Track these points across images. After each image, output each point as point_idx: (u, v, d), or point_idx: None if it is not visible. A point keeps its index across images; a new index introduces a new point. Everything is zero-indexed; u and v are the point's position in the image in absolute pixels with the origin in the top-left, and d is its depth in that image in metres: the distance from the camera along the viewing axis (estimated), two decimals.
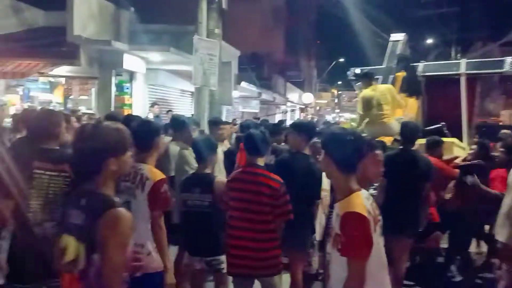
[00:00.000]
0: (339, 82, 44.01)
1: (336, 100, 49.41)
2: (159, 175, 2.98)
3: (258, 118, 14.85)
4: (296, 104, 30.53)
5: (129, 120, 4.57)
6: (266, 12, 25.67)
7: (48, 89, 11.14)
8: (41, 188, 3.01)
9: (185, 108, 14.27)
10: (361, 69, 8.29)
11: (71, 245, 1.81)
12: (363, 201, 2.08)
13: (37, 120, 3.39)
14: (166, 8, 10.29)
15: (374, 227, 2.07)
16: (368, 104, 6.31)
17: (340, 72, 32.37)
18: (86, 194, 1.86)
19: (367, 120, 6.28)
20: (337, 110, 46.93)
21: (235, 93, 13.89)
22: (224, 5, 8.69)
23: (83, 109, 10.46)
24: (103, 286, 1.76)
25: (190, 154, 4.10)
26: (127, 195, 2.91)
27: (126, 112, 10.65)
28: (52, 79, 10.85)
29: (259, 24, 24.40)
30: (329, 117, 35.26)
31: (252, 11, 23.88)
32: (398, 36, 8.57)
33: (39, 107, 9.71)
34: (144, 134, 3.04)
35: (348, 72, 8.92)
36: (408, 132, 4.33)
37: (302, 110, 31.58)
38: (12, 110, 9.05)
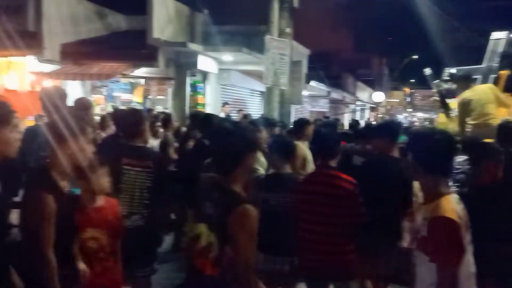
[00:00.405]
0: (412, 80, 42.22)
1: (408, 99, 47.54)
2: None
3: (328, 117, 14.71)
4: (366, 103, 29.78)
5: (208, 119, 4.81)
6: (335, 9, 25.29)
7: (129, 89, 11.81)
8: (128, 183, 3.23)
9: (255, 107, 14.49)
10: (457, 69, 7.91)
11: (204, 233, 1.98)
12: (454, 205, 1.99)
13: (125, 119, 3.63)
14: (238, 9, 10.48)
15: (464, 233, 1.99)
16: (469, 106, 5.90)
17: (413, 69, 31.07)
18: (219, 189, 2.03)
19: (471, 122, 5.90)
20: (410, 109, 45.12)
21: (304, 92, 13.84)
22: (295, 4, 8.69)
23: (160, 108, 10.98)
24: (236, 275, 1.92)
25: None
26: None
27: (199, 110, 11.05)
28: (132, 80, 11.49)
29: (328, 22, 24.12)
30: (400, 117, 34.00)
31: (321, 8, 23.64)
32: (501, 34, 8.13)
33: (122, 107, 10.39)
34: None
35: (425, 70, 8.55)
36: (506, 132, 3.97)
37: (372, 109, 30.74)
38: (97, 110, 9.73)
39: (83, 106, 4.24)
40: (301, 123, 5.24)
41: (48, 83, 10.96)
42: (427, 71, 10.03)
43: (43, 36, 8.99)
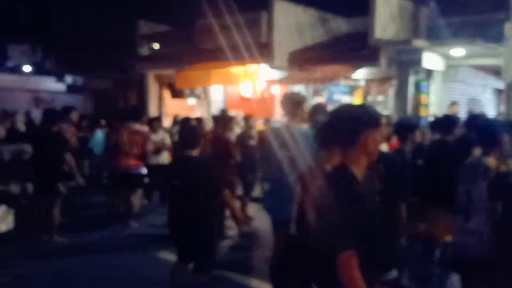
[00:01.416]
0: None
1: None
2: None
3: None
4: None
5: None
6: None
7: (348, 92, 11.94)
8: None
9: (488, 106, 12.75)
10: None
11: None
12: None
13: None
14: None
15: None
16: None
17: None
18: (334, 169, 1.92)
19: None
20: None
21: None
22: None
23: (379, 109, 10.71)
24: None
25: None
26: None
27: (423, 112, 10.34)
28: (351, 83, 11.56)
29: None
30: None
31: None
32: None
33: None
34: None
35: None
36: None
37: None
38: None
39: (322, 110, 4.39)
40: None
41: (277, 89, 12.02)
42: None
43: (273, 45, 9.85)
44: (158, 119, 9.27)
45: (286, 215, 3.65)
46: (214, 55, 10.79)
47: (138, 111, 8.72)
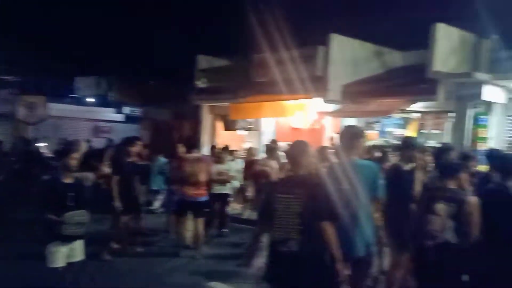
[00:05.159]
0: None
1: None
2: None
3: None
4: None
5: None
6: None
7: (401, 124, 11.78)
8: None
9: None
10: None
11: None
12: None
13: None
14: None
15: None
16: None
17: None
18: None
19: None
20: None
21: None
22: None
23: (434, 143, 10.47)
24: None
25: None
26: None
27: (480, 145, 9.99)
28: (405, 115, 11.41)
29: None
30: None
31: None
32: None
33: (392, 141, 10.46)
34: None
35: None
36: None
37: None
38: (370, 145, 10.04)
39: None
40: None
41: (328, 121, 12.07)
42: None
43: (328, 79, 9.96)
44: (225, 148, 9.48)
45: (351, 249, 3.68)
46: (269, 88, 11.04)
47: (195, 140, 9.04)
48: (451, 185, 3.92)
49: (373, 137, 11.59)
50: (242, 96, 11.83)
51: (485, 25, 9.39)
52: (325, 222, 3.30)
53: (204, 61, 13.25)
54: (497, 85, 9.66)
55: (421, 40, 9.56)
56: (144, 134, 15.78)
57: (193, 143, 7.85)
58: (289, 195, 3.38)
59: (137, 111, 18.87)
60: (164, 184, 9.84)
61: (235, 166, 10.00)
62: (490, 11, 9.14)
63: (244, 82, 11.66)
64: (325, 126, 12.17)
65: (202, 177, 6.80)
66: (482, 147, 9.79)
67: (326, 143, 10.88)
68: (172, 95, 13.86)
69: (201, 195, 6.81)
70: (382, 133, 11.98)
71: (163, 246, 7.41)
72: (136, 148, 7.06)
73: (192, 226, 6.94)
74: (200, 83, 13.14)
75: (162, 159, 10.37)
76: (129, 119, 20.46)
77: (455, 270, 3.44)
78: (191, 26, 13.92)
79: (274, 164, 6.79)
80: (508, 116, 10.99)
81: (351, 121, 10.74)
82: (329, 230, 3.29)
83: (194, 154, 7.11)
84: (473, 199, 3.80)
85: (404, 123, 11.77)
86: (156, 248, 7.33)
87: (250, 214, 9.24)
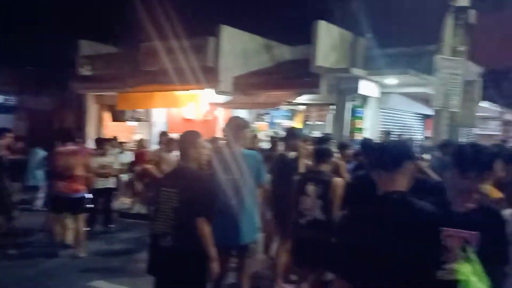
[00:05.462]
0: None
1: None
2: None
3: (505, 141, 13.07)
4: None
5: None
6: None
7: (289, 116, 12.32)
8: None
9: (417, 131, 13.70)
10: None
11: None
12: None
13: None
14: (404, 31, 10.19)
15: None
16: None
17: None
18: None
19: None
20: None
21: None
22: (472, 20, 8.05)
23: (317, 133, 11.14)
24: None
25: None
26: None
27: (357, 136, 10.88)
28: (292, 107, 11.94)
29: (502, 35, 21.65)
30: None
31: (494, 21, 21.34)
32: None
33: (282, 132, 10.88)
34: None
35: None
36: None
37: None
38: (261, 136, 10.35)
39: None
40: None
41: (221, 112, 12.13)
42: None
43: (219, 71, 10.00)
44: (108, 140, 8.89)
45: (229, 240, 3.74)
46: (158, 78, 10.73)
47: (72, 132, 8.41)
48: (323, 168, 4.24)
49: (263, 128, 11.94)
50: (130, 86, 11.34)
51: (360, 24, 10.21)
52: (201, 218, 3.19)
53: (87, 47, 12.42)
54: (372, 81, 10.57)
55: (308, 36, 10.06)
56: (19, 125, 14.32)
57: (68, 135, 7.20)
58: (171, 188, 3.29)
59: (12, 100, 17.10)
60: (44, 179, 9.04)
61: (124, 159, 9.56)
62: (365, 11, 9.94)
63: (133, 70, 11.19)
64: (218, 118, 12.22)
65: (78, 172, 6.31)
66: (359, 137, 10.65)
67: (219, 134, 10.93)
68: (52, 82, 12.76)
69: (77, 190, 6.31)
70: (272, 124, 12.39)
71: (40, 247, 6.81)
72: (5, 141, 6.34)
73: (71, 224, 6.46)
74: (84, 71, 12.30)
75: (40, 152, 9.49)
76: (2, 108, 18.41)
77: (323, 243, 3.64)
78: (72, 8, 12.91)
79: (169, 156, 6.57)
80: (381, 109, 12.13)
81: (243, 113, 10.93)
82: (205, 227, 3.18)
83: (69, 147, 6.57)
84: (337, 180, 4.14)
85: (292, 115, 12.31)
86: (32, 249, 6.71)
87: (139, 208, 8.92)
